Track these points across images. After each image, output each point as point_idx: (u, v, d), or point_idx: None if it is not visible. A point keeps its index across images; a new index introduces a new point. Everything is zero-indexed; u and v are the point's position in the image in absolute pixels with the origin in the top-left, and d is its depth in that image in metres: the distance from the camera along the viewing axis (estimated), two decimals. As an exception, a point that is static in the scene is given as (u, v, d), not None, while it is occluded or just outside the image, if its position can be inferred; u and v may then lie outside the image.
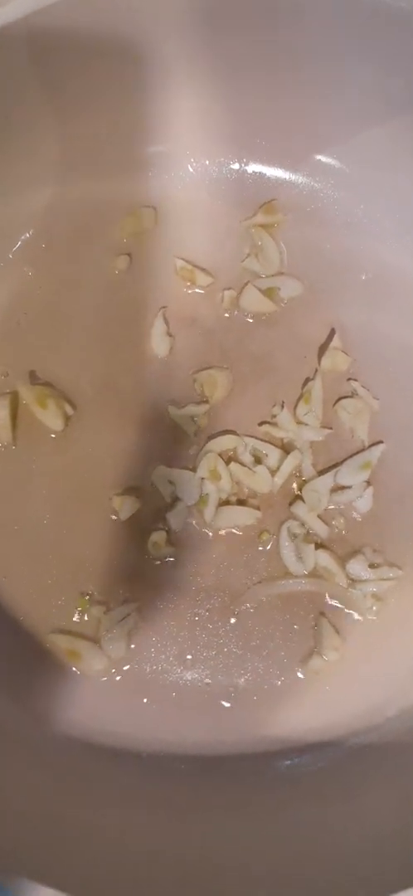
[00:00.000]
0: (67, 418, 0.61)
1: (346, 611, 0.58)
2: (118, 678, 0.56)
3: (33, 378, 0.62)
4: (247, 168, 0.68)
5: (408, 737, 0.55)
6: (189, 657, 0.57)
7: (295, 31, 0.58)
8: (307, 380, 0.63)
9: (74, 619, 0.57)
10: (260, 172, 0.68)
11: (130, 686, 0.56)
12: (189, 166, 0.67)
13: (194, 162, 0.67)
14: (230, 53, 0.61)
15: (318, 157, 0.66)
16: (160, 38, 0.59)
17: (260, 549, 0.59)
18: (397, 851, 0.44)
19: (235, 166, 0.68)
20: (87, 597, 0.57)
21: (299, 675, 0.57)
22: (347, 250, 0.66)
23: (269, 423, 0.62)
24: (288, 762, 0.55)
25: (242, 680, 0.57)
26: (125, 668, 0.57)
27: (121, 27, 0.57)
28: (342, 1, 0.55)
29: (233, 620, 0.58)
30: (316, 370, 0.63)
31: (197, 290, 0.65)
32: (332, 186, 0.67)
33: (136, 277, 0.65)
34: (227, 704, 0.56)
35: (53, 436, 0.61)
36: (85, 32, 0.56)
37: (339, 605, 0.58)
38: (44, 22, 0.53)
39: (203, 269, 0.65)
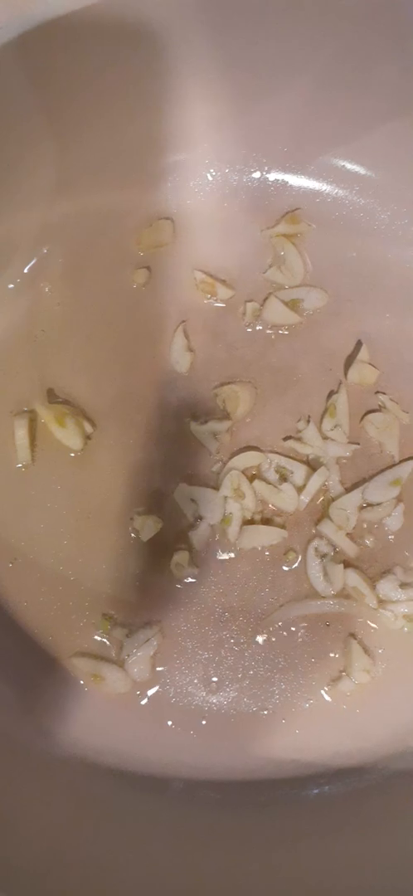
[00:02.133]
0: (87, 437, 0.65)
1: (376, 631, 0.62)
2: (143, 702, 0.60)
3: (51, 396, 0.66)
4: (268, 176, 0.72)
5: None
6: (215, 680, 0.61)
7: (316, 32, 0.63)
8: (332, 393, 0.67)
9: (96, 639, 0.61)
10: (282, 180, 0.72)
11: (155, 710, 0.60)
12: (208, 175, 0.71)
13: (213, 171, 0.71)
14: (249, 59, 0.65)
15: (343, 163, 0.71)
16: (176, 45, 0.63)
17: (286, 568, 0.63)
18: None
19: (256, 174, 0.72)
20: (109, 619, 0.62)
21: (327, 698, 0.60)
22: (373, 259, 0.70)
23: (293, 438, 0.66)
24: (316, 790, 0.58)
25: (269, 703, 0.60)
26: (150, 691, 0.60)
27: (136, 35, 0.62)
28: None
29: (259, 641, 0.61)
30: (340, 383, 0.67)
31: (218, 304, 0.69)
32: (357, 193, 0.71)
33: (156, 291, 0.69)
34: (253, 729, 0.60)
35: (72, 454, 0.65)
36: (98, 42, 0.61)
37: (369, 626, 0.62)
38: (54, 32, 0.58)
39: (224, 282, 0.69)
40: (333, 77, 0.66)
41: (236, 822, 0.57)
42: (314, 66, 0.66)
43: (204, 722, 0.60)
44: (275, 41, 0.64)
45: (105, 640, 0.61)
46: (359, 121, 0.68)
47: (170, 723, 0.60)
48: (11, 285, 0.68)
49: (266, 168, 0.72)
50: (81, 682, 0.61)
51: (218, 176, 0.72)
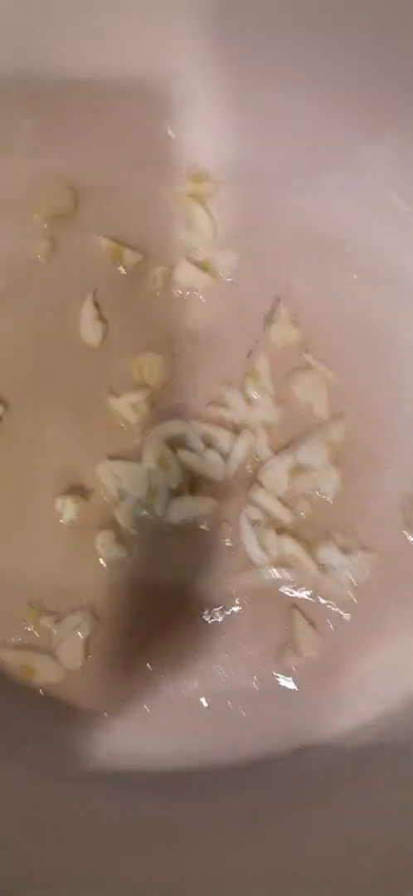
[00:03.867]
0: (-1, 419, 0.65)
1: (323, 602, 0.64)
2: (78, 690, 0.60)
3: None
4: (171, 134, 0.73)
5: (405, 735, 0.60)
6: (151, 665, 0.61)
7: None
8: (251, 354, 0.68)
9: (25, 630, 0.61)
10: (186, 138, 0.73)
11: (90, 698, 0.60)
12: (108, 137, 0.72)
13: (113, 133, 0.72)
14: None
15: (248, 117, 0.72)
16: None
17: (221, 539, 0.64)
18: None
19: (158, 133, 0.73)
20: (36, 607, 0.61)
21: (276, 674, 0.62)
22: (285, 212, 0.72)
23: (217, 403, 0.67)
24: (256, 777, 0.59)
25: (212, 685, 0.61)
26: (83, 679, 0.60)
27: None
28: None
29: (197, 620, 0.62)
30: (257, 342, 0.68)
31: (126, 271, 0.70)
32: (263, 147, 0.72)
33: (61, 262, 0.70)
34: (199, 712, 0.60)
35: (-14, 440, 0.64)
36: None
37: (313, 597, 0.64)
38: None
39: (131, 247, 0.70)
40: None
41: (177, 812, 0.57)
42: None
43: (143, 707, 0.60)
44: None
45: (33, 629, 0.61)
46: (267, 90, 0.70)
47: (106, 714, 0.60)
48: None
49: (168, 125, 0.73)
50: (12, 675, 0.60)
51: (118, 137, 0.72)
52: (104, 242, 0.70)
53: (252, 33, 0.67)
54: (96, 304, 0.68)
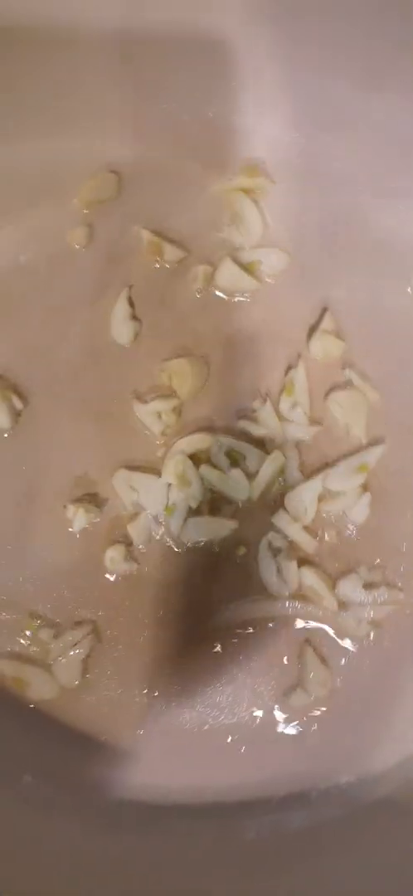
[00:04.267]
0: (17, 414, 0.63)
1: (337, 639, 0.60)
2: (72, 710, 0.59)
3: None
4: (226, 121, 0.69)
5: (409, 790, 0.56)
6: (153, 690, 0.59)
7: None
8: (290, 368, 0.65)
9: (22, 642, 0.60)
10: (243, 127, 0.69)
11: (85, 720, 0.59)
12: (158, 119, 0.69)
13: (164, 115, 0.69)
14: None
15: (312, 111, 0.68)
16: None
17: (236, 564, 0.61)
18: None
19: (211, 115, 0.69)
20: (38, 620, 0.60)
21: (280, 713, 0.59)
22: (342, 220, 0.68)
23: (248, 417, 0.64)
24: (252, 821, 0.57)
25: (212, 718, 0.59)
26: (80, 698, 0.59)
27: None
28: None
29: (203, 647, 0.60)
30: (299, 356, 0.65)
31: (166, 266, 0.67)
32: (326, 145, 0.69)
33: (98, 252, 0.67)
34: (194, 745, 0.58)
35: (5, 435, 0.63)
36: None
37: (329, 632, 0.60)
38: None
39: (173, 242, 0.67)
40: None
41: (164, 849, 0.56)
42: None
43: (139, 734, 0.59)
44: None
45: (31, 641, 0.60)
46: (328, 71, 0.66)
47: (103, 737, 0.59)
48: None
49: (225, 111, 0.69)
50: (4, 688, 0.59)
51: (169, 119, 0.69)
52: (145, 235, 0.67)
53: (319, 31, 0.64)
54: (130, 301, 0.66)
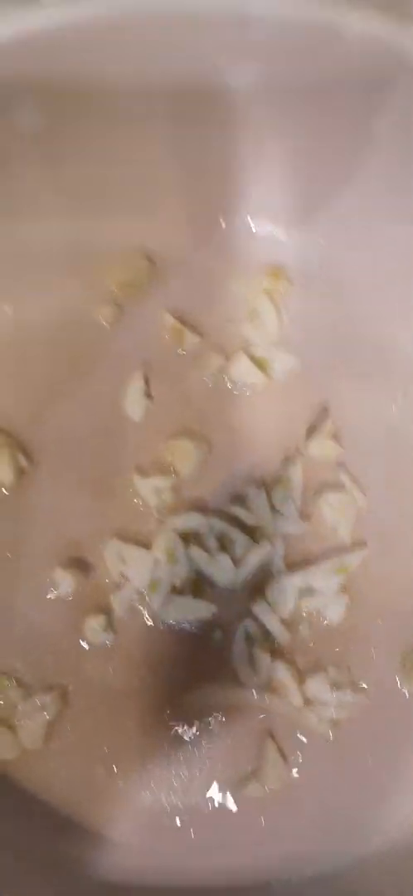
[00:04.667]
0: (21, 472, 0.67)
1: (297, 734, 0.61)
2: (30, 773, 0.61)
3: None
4: (256, 227, 0.73)
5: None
6: (113, 765, 0.61)
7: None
8: (287, 461, 0.67)
9: None
10: (270, 234, 0.73)
11: (44, 783, 0.61)
12: (195, 218, 0.73)
13: (197, 213, 0.74)
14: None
15: (335, 227, 0.72)
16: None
17: (211, 648, 0.63)
18: None
19: (246, 222, 0.73)
20: (7, 677, 0.62)
21: (232, 802, 0.60)
22: (351, 331, 0.71)
23: (241, 504, 0.66)
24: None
25: (166, 796, 0.60)
26: (41, 762, 0.61)
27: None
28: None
29: (168, 729, 0.62)
30: (297, 453, 0.67)
31: (183, 351, 0.71)
32: (345, 262, 0.72)
33: (121, 330, 0.71)
34: (145, 829, 0.60)
35: (3, 490, 0.67)
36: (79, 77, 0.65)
37: (290, 726, 0.61)
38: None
39: (195, 330, 0.71)
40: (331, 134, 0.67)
41: None
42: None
43: (97, 812, 0.61)
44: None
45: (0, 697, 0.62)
46: (355, 194, 0.69)
47: (60, 806, 0.61)
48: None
49: (254, 218, 0.73)
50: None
51: (203, 220, 0.74)
52: (168, 320, 0.71)
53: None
54: (146, 379, 0.69)
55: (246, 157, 0.70)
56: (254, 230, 0.73)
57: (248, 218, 0.73)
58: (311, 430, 0.68)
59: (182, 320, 0.71)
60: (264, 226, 0.73)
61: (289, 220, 0.73)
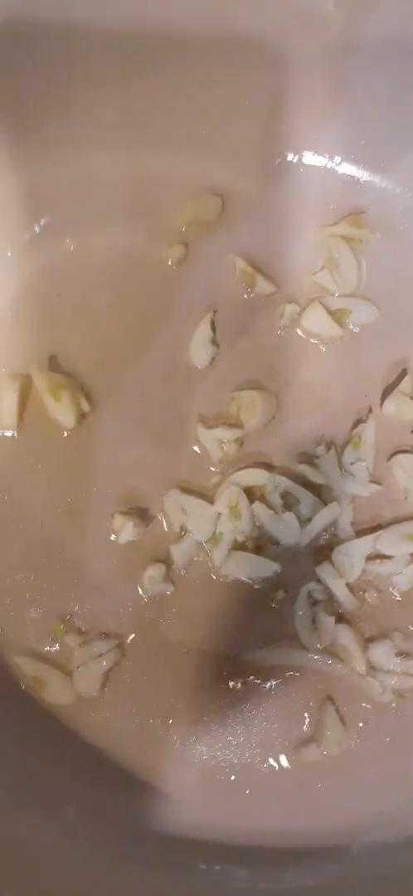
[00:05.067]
0: (82, 415, 0.66)
1: (359, 701, 0.60)
2: (84, 723, 0.60)
3: (53, 364, 0.67)
4: (337, 167, 0.71)
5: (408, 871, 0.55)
6: (168, 718, 0.60)
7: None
8: (361, 422, 0.65)
9: (47, 643, 0.61)
10: (351, 175, 0.71)
11: (94, 736, 0.60)
12: (265, 153, 0.71)
13: (273, 150, 0.71)
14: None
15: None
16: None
17: (272, 607, 0.62)
18: None
19: (323, 162, 0.71)
20: (65, 622, 0.61)
21: (289, 764, 0.59)
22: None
23: (308, 463, 0.64)
24: (255, 868, 0.57)
25: (222, 754, 0.59)
26: (94, 712, 0.60)
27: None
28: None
29: (226, 683, 0.61)
30: (370, 412, 0.65)
31: (255, 298, 0.69)
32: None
33: (189, 272, 0.69)
34: (199, 780, 0.59)
35: (64, 433, 0.66)
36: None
37: (352, 692, 0.60)
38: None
39: (266, 275, 0.69)
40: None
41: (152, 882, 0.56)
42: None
43: (148, 766, 0.60)
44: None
45: (57, 644, 0.62)
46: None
47: (111, 755, 0.60)
48: (28, 234, 0.70)
49: (336, 158, 0.71)
50: (22, 684, 0.61)
51: (277, 156, 0.72)
52: (239, 263, 0.69)
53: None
54: (213, 326, 0.68)
55: (325, 94, 0.69)
56: (334, 169, 0.72)
57: (328, 156, 0.71)
58: (388, 389, 0.66)
59: (253, 265, 0.69)
60: (345, 167, 0.71)
61: (371, 163, 0.71)
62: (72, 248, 0.70)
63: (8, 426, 0.65)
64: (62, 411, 0.65)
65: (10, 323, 0.68)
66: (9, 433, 0.66)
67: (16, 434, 0.66)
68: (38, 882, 0.50)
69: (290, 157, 0.71)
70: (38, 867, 0.52)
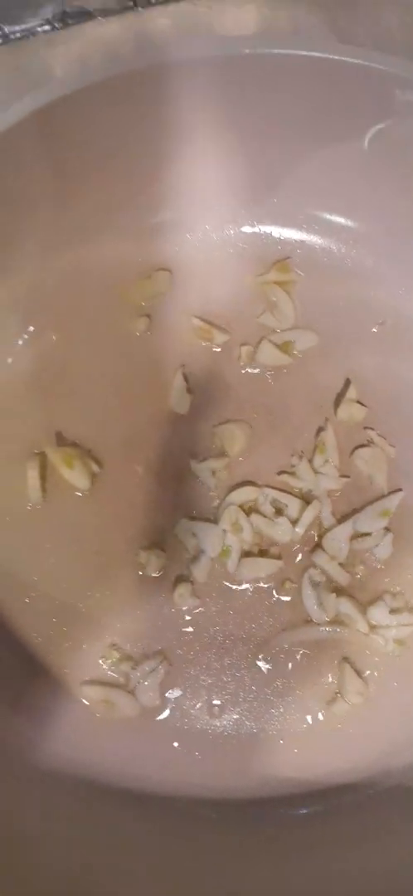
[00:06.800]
0: (94, 476, 0.73)
1: (368, 655, 0.70)
2: (151, 726, 0.68)
3: (60, 439, 0.74)
4: (259, 229, 0.81)
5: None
6: (217, 703, 0.68)
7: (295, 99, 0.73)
8: (322, 430, 0.76)
9: (105, 669, 0.69)
10: (272, 233, 0.82)
11: (163, 732, 0.67)
12: (204, 228, 0.81)
13: (208, 225, 0.81)
14: (238, 124, 0.75)
15: (329, 216, 0.81)
16: (176, 112, 0.73)
17: (283, 597, 0.71)
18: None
19: (248, 228, 0.82)
20: (117, 649, 0.69)
21: (322, 718, 0.68)
22: (360, 302, 0.79)
23: (287, 473, 0.74)
24: (311, 808, 0.65)
25: (268, 725, 0.68)
26: (158, 716, 0.68)
27: (140, 101, 0.71)
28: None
29: (258, 666, 0.69)
30: (327, 420, 0.76)
31: (215, 348, 0.78)
32: (342, 241, 0.81)
33: (156, 337, 0.78)
34: (253, 749, 0.67)
35: (80, 494, 0.73)
36: (102, 111, 0.71)
37: (362, 650, 0.70)
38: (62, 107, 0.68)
39: (219, 327, 0.78)
40: (313, 136, 0.76)
41: (234, 840, 0.63)
42: (297, 132, 0.76)
43: (206, 742, 0.68)
44: (264, 109, 0.74)
45: (112, 670, 0.69)
46: (339, 174, 0.78)
47: (176, 744, 0.67)
48: (21, 340, 0.76)
49: (257, 221, 0.82)
50: (93, 711, 0.68)
51: (212, 229, 0.81)
52: (195, 322, 0.78)
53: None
54: (185, 377, 0.77)
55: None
56: (259, 232, 0.82)
57: (253, 222, 0.82)
58: (338, 398, 0.76)
59: (207, 321, 0.79)
60: (267, 227, 0.82)
61: (286, 219, 0.82)
62: (54, 338, 0.77)
63: (34, 500, 0.72)
64: (77, 477, 0.73)
65: (18, 412, 0.74)
66: (35, 506, 0.72)
67: (42, 504, 0.72)
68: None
69: (220, 225, 0.81)
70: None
